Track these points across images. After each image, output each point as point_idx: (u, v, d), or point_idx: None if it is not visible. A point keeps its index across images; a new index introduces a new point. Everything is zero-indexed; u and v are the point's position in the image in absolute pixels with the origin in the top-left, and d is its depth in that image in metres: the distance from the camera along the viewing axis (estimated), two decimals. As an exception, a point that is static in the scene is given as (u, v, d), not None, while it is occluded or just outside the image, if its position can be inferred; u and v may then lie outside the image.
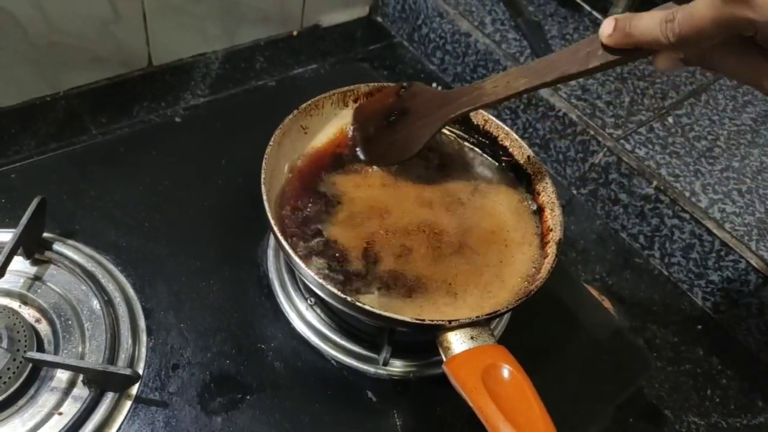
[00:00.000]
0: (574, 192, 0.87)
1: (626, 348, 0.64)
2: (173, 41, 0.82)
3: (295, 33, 0.94)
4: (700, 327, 0.77)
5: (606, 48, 0.43)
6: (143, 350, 0.52)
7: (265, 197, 0.52)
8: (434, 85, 0.95)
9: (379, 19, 1.03)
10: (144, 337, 0.53)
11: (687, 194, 0.78)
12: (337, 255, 0.53)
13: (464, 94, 0.54)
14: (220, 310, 0.56)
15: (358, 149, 0.62)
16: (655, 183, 0.78)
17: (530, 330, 0.60)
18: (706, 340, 0.75)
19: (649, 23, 0.39)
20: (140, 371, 0.51)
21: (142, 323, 0.54)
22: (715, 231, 0.75)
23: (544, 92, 0.86)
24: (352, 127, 0.63)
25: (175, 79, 0.82)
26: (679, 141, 0.84)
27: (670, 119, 0.87)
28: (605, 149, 0.82)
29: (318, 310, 0.57)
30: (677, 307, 0.78)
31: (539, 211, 0.61)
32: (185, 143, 0.69)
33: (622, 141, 0.82)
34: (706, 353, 0.74)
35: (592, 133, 0.83)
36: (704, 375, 0.72)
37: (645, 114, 0.86)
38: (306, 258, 0.52)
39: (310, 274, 0.47)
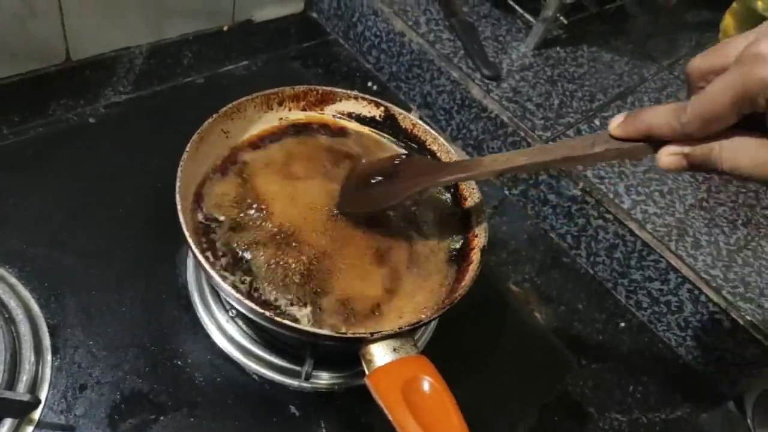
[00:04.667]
0: (506, 192, 0.85)
1: (550, 350, 0.63)
2: (93, 34, 0.75)
3: (225, 28, 0.88)
4: (623, 324, 0.77)
5: (614, 138, 0.41)
6: (47, 371, 0.47)
7: (179, 207, 0.48)
8: (369, 84, 0.91)
9: (314, 15, 0.98)
10: (49, 357, 0.48)
11: (611, 195, 0.77)
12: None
13: (460, 164, 0.52)
14: (134, 324, 0.51)
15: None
16: (581, 185, 0.78)
17: (457, 335, 0.58)
18: (629, 337, 0.76)
19: (660, 111, 0.38)
20: (43, 394, 0.46)
21: (46, 341, 0.49)
22: (637, 232, 0.75)
23: (478, 93, 0.84)
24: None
25: (95, 75, 0.76)
26: (606, 143, 0.84)
27: (597, 121, 0.86)
28: (535, 151, 0.80)
29: (239, 323, 0.53)
30: (601, 305, 0.78)
31: (465, 216, 0.59)
32: (103, 144, 0.64)
33: (550, 142, 0.81)
34: (628, 350, 0.74)
35: (522, 134, 0.81)
36: (626, 372, 0.72)
37: (573, 116, 0.86)
38: (226, 270, 0.49)
39: (230, 291, 0.44)
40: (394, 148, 0.64)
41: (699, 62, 0.37)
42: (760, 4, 1.06)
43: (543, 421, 0.64)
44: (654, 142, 0.39)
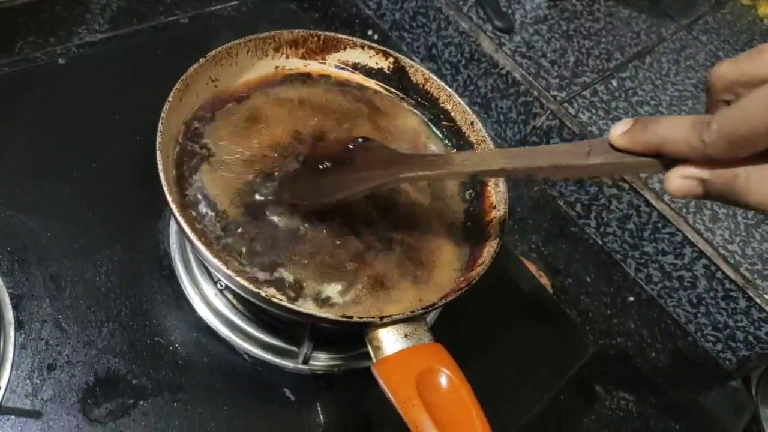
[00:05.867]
0: (514, 156, 0.79)
1: (558, 325, 0.59)
2: (64, -37, 0.66)
3: None
4: (631, 299, 0.72)
5: (615, 149, 0.33)
6: (10, 348, 0.41)
7: (161, 167, 0.41)
8: (369, 33, 0.83)
9: (312, -48, 0.89)
10: (11, 332, 0.42)
11: (628, 163, 0.72)
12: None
13: (425, 158, 0.44)
14: (109, 296, 0.45)
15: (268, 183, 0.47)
16: (596, 150, 0.72)
17: (466, 316, 0.53)
18: (637, 312, 0.71)
19: (677, 123, 0.30)
20: (5, 375, 0.40)
21: (9, 315, 0.42)
22: (653, 202, 0.69)
23: (488, 47, 0.76)
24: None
25: (67, 11, 0.67)
26: (623, 106, 0.77)
27: (614, 82, 0.80)
28: (548, 112, 0.74)
29: (229, 296, 0.47)
30: (610, 277, 0.73)
31: (480, 185, 0.53)
32: (75, 89, 0.56)
33: (565, 104, 0.74)
34: (637, 326, 0.70)
35: (535, 94, 0.75)
36: (634, 348, 0.68)
37: (589, 76, 0.79)
38: (216, 242, 0.42)
39: (222, 268, 0.38)
40: (404, 107, 0.57)
41: (726, 69, 0.30)
42: (786, -38, 0.99)
43: (550, 401, 0.60)
44: (664, 159, 0.32)
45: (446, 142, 0.56)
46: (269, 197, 0.45)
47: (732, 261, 0.67)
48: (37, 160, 0.50)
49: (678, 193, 0.31)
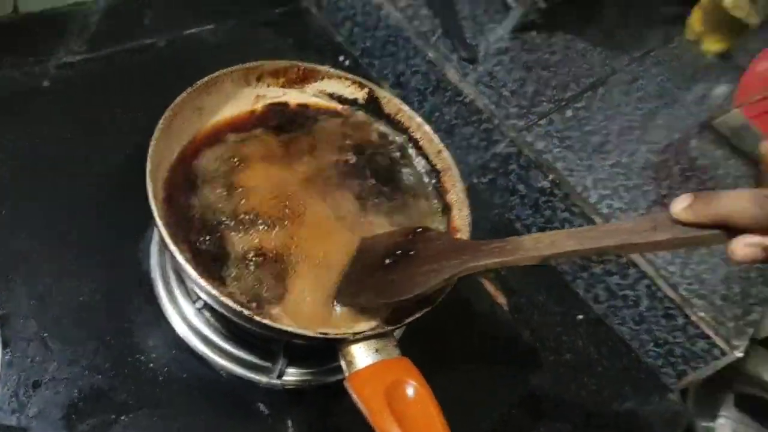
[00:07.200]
0: (474, 180, 0.84)
1: (512, 343, 0.63)
2: (44, -16, 0.68)
3: None
4: (580, 317, 0.78)
5: (679, 223, 0.36)
6: (-4, 366, 0.43)
7: (150, 193, 0.44)
8: (341, 59, 0.87)
9: (287, -22, 0.92)
10: (-3, 350, 0.44)
11: (579, 189, 0.77)
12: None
13: (494, 245, 0.43)
14: (92, 315, 0.47)
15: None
16: (551, 177, 0.77)
17: (430, 332, 0.57)
18: (586, 331, 0.77)
19: (739, 198, 0.34)
20: (-9, 392, 0.42)
21: (-5, 333, 0.44)
22: (601, 227, 0.75)
23: (453, 76, 0.81)
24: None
25: (45, 31, 0.68)
26: (576, 135, 0.83)
27: (569, 112, 0.86)
28: (508, 140, 0.79)
29: (207, 314, 0.50)
30: (561, 297, 0.79)
31: (446, 210, 0.57)
32: (55, 110, 0.58)
33: (524, 132, 0.80)
34: (585, 343, 0.76)
35: (496, 122, 0.80)
36: (582, 364, 0.74)
37: (546, 105, 0.84)
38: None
39: (210, 290, 0.41)
40: (378, 130, 0.60)
41: None
42: (727, 1, 1.07)
43: (501, 416, 0.64)
44: (728, 230, 0.35)
45: (418, 168, 0.60)
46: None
47: (672, 281, 0.73)
48: (21, 181, 0.51)
49: (745, 259, 0.34)
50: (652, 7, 1.12)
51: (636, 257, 0.73)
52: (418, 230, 0.50)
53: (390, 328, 0.44)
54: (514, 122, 0.80)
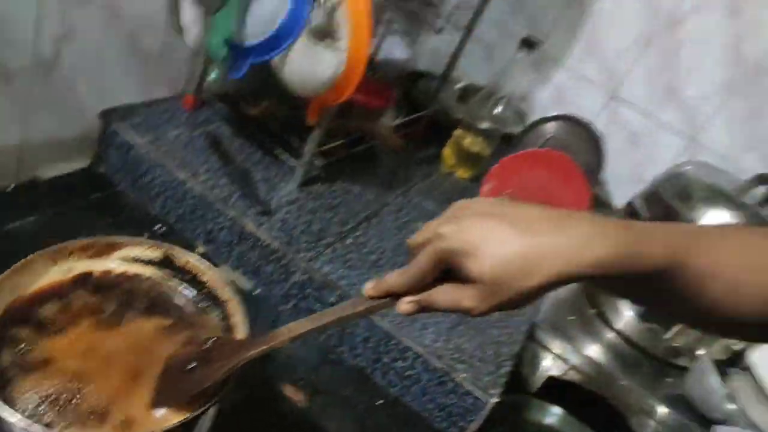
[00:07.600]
0: (280, 308, 1.02)
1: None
2: None
3: (10, 187, 0.95)
4: (381, 402, 0.95)
5: (369, 297, 0.56)
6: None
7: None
8: (158, 227, 1.05)
9: (102, 169, 1.09)
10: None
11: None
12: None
13: (261, 338, 0.61)
14: None
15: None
16: (338, 293, 0.98)
17: (239, 428, 0.71)
18: (385, 413, 0.94)
19: (395, 276, 0.54)
20: None
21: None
22: (378, 323, 0.95)
23: (252, 227, 1.02)
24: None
25: None
26: (356, 256, 1.06)
27: (349, 240, 1.09)
28: (301, 269, 1.00)
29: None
30: (364, 388, 0.96)
31: (230, 330, 0.74)
32: None
33: (311, 261, 1.01)
34: (386, 423, 0.92)
35: (290, 257, 1.00)
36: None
37: (330, 238, 1.07)
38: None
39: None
40: (171, 280, 0.78)
41: (413, 240, 0.54)
42: (466, 142, 1.42)
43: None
44: (395, 296, 0.54)
45: (207, 303, 0.77)
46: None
47: (438, 354, 0.93)
48: None
49: (408, 312, 0.53)
50: (413, 151, 1.46)
51: (408, 342, 0.94)
52: (214, 339, 0.66)
53: (188, 416, 0.58)
54: (304, 254, 1.01)
